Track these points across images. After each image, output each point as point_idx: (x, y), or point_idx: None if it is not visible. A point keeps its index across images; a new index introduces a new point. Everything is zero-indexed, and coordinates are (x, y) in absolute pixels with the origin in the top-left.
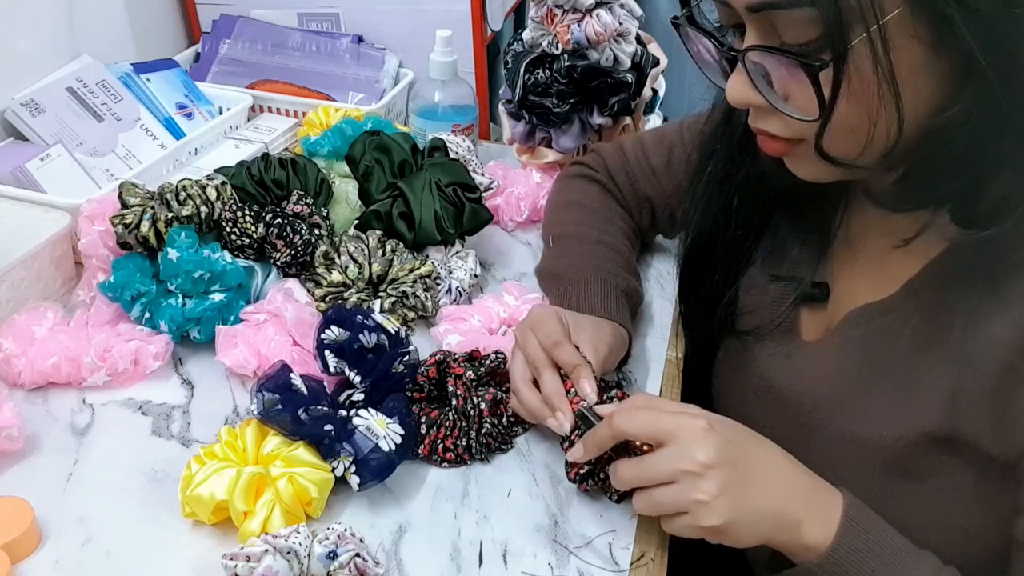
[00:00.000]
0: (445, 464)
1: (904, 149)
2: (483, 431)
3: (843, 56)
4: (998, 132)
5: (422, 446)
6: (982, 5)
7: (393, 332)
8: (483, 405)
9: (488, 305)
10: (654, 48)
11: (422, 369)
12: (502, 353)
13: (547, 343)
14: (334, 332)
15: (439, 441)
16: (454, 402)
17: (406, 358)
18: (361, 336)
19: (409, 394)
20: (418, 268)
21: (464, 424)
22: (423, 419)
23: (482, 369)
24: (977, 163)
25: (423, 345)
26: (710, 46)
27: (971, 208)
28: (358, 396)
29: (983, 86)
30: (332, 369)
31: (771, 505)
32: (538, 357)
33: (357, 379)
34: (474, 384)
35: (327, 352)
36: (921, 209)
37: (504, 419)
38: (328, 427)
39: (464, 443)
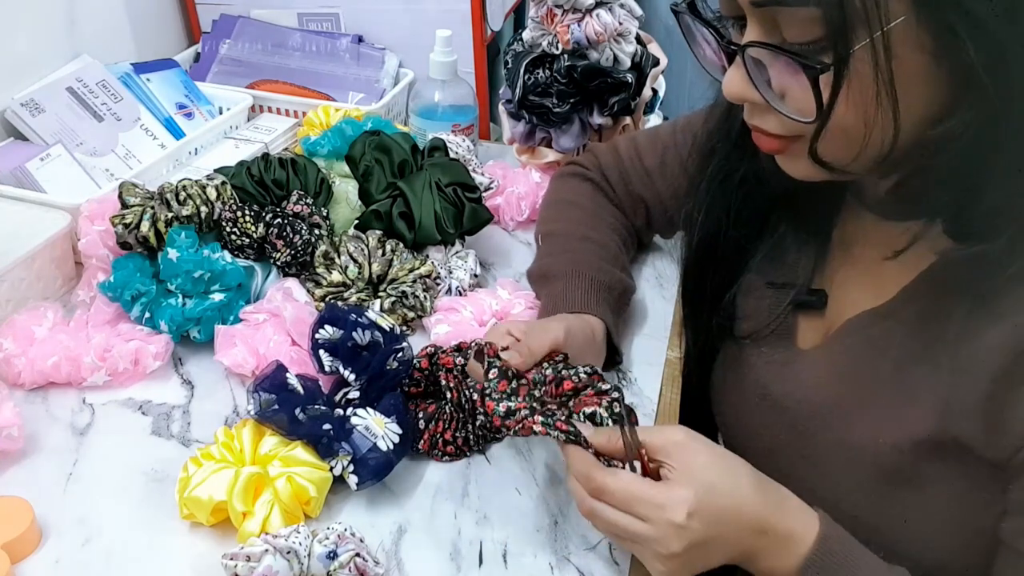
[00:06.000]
0: (446, 458)
1: (898, 158)
2: (477, 423)
3: (844, 60)
4: (994, 147)
5: (421, 441)
6: (987, 18)
7: (387, 329)
8: (475, 396)
9: (481, 298)
10: (654, 48)
11: (415, 362)
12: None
13: None
14: (328, 331)
15: (438, 435)
16: (449, 395)
17: (400, 354)
18: (355, 334)
19: (405, 389)
20: (418, 268)
21: (461, 416)
22: (420, 414)
23: (470, 354)
24: (971, 177)
25: (422, 344)
26: (709, 37)
27: (964, 221)
28: (353, 394)
29: (981, 100)
30: (327, 368)
31: (725, 557)
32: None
33: (352, 376)
34: (463, 373)
35: (322, 351)
36: (913, 219)
37: None
38: (326, 426)
39: (463, 435)
